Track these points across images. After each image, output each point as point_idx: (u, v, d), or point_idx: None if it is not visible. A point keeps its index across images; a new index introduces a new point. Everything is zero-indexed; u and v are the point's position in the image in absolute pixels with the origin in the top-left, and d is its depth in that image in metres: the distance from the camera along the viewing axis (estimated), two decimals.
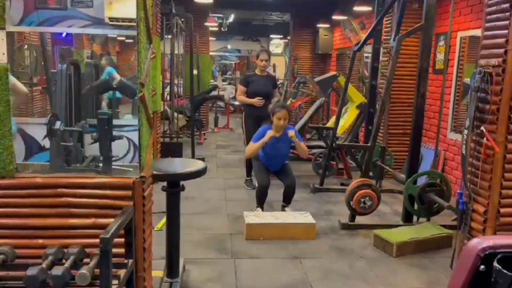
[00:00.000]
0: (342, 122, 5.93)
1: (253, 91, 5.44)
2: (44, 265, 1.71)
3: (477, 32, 4.74)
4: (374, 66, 5.61)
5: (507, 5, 2.53)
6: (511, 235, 2.68)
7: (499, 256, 1.10)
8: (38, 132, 3.12)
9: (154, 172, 2.40)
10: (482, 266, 1.11)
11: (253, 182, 5.35)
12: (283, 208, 4.55)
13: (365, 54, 7.77)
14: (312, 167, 6.25)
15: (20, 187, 2.02)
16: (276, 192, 4.71)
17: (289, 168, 4.64)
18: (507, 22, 2.53)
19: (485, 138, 2.68)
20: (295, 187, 4.52)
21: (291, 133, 4.37)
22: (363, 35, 6.47)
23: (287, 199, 4.55)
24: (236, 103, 12.12)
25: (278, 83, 7.47)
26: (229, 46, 16.59)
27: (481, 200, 2.76)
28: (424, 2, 4.11)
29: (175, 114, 7.62)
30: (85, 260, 1.83)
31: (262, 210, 4.49)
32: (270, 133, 4.35)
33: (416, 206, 4.17)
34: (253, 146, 4.44)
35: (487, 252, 1.11)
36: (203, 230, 4.16)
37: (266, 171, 4.58)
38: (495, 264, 1.08)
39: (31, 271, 1.64)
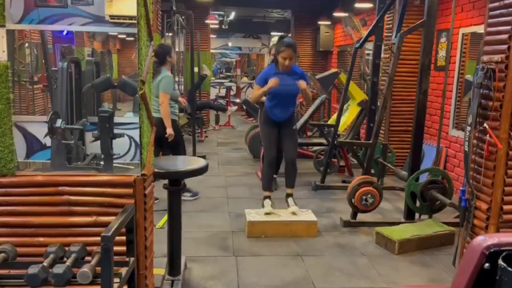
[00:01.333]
0: (343, 119, 5.91)
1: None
2: (45, 263, 1.70)
3: (479, 29, 4.71)
4: (376, 63, 5.59)
5: (510, 0, 2.52)
6: None
7: (504, 254, 1.09)
8: (39, 130, 3.12)
9: (156, 170, 2.39)
10: (487, 264, 1.10)
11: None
12: (287, 198, 4.25)
13: (366, 51, 7.74)
14: (313, 164, 6.24)
15: (21, 185, 2.02)
16: (277, 192, 4.70)
17: (295, 136, 4.29)
18: (510, 18, 2.52)
19: (488, 135, 2.66)
20: (296, 163, 4.25)
21: (303, 85, 3.98)
22: (364, 32, 6.45)
23: (290, 178, 4.24)
24: (237, 100, 12.11)
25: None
26: (230, 44, 16.56)
27: (484, 197, 2.75)
28: None
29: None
30: (87, 258, 1.83)
31: (270, 199, 4.23)
32: (272, 82, 3.92)
33: (418, 203, 4.16)
34: (257, 91, 4.10)
35: (492, 250, 1.10)
36: (205, 227, 4.16)
37: (274, 141, 4.20)
38: (500, 262, 1.07)
39: (32, 270, 1.63)
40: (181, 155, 4.65)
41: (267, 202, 4.23)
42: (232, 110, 10.63)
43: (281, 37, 4.27)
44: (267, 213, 4.10)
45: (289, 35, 4.81)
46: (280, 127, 4.23)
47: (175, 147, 4.58)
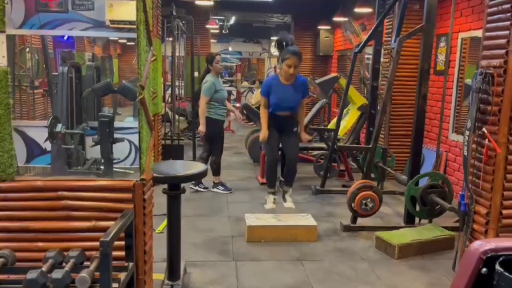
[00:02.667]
0: (343, 123, 5.92)
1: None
2: (44, 269, 1.70)
3: (478, 33, 4.72)
4: (375, 68, 5.61)
5: (508, 5, 2.53)
6: None
7: (501, 258, 1.09)
8: (40, 135, 3.12)
9: (155, 175, 2.39)
10: (484, 269, 1.10)
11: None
12: (284, 195, 4.37)
13: (366, 56, 7.75)
14: (313, 168, 6.24)
15: (21, 190, 2.02)
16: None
17: (297, 138, 4.35)
18: (508, 22, 2.53)
19: (486, 140, 2.67)
20: (296, 163, 4.30)
21: (306, 138, 4.56)
22: (364, 37, 6.46)
23: (288, 177, 4.34)
24: (237, 105, 12.11)
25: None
26: (230, 48, 16.60)
27: (483, 202, 2.75)
28: (425, 3, 4.10)
29: (176, 117, 7.63)
30: (85, 263, 1.83)
31: (275, 194, 4.35)
32: (262, 135, 4.21)
33: (418, 208, 4.15)
34: (262, 112, 4.21)
35: (489, 255, 1.10)
36: (204, 232, 4.16)
37: (275, 143, 4.26)
38: (497, 267, 1.07)
39: (31, 275, 1.63)
40: (217, 153, 5.37)
41: (270, 198, 4.36)
42: (233, 117, 10.64)
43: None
44: (269, 208, 4.31)
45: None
46: (281, 130, 4.28)
47: (213, 144, 5.32)
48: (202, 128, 5.13)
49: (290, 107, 4.19)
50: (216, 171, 5.42)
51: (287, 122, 4.26)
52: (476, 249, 1.12)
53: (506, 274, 1.04)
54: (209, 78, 5.17)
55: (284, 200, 4.40)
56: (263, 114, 4.22)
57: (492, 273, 1.08)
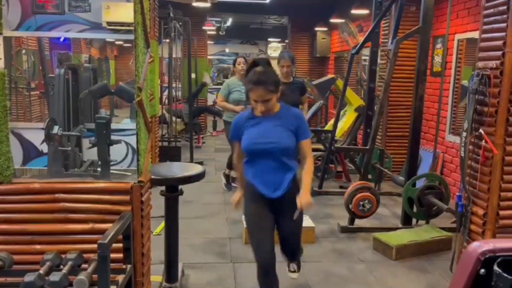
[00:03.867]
0: (340, 125, 5.93)
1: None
2: (41, 271, 1.70)
3: (475, 35, 4.74)
4: (372, 69, 5.62)
5: (504, 7, 2.54)
6: (511, 238, 2.68)
7: (499, 259, 1.09)
8: (36, 137, 3.12)
9: (153, 177, 2.39)
10: (482, 270, 1.11)
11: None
12: (289, 271, 3.06)
13: (363, 57, 7.78)
14: None
15: (18, 193, 2.01)
16: None
17: (298, 220, 2.61)
18: (504, 24, 2.54)
19: (483, 141, 2.68)
20: (299, 242, 2.91)
21: (308, 202, 2.43)
22: (361, 38, 6.48)
23: (290, 255, 2.96)
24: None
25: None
26: (227, 50, 16.61)
27: (480, 203, 2.75)
28: (421, 4, 4.12)
29: (173, 118, 7.62)
30: (83, 265, 1.82)
31: None
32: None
33: (415, 209, 4.16)
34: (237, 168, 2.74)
35: (487, 256, 1.10)
36: (202, 234, 4.15)
37: (265, 226, 2.55)
38: (495, 267, 1.07)
39: (29, 278, 1.63)
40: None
41: None
42: None
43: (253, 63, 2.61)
44: None
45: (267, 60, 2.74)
46: (275, 209, 2.56)
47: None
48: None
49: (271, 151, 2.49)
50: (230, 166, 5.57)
51: (281, 190, 2.51)
52: (474, 250, 1.13)
53: (504, 275, 1.04)
54: (228, 79, 5.54)
55: (288, 267, 3.04)
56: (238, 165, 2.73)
57: (490, 274, 1.09)
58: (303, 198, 2.40)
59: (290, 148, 2.48)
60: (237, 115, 4.92)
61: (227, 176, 5.66)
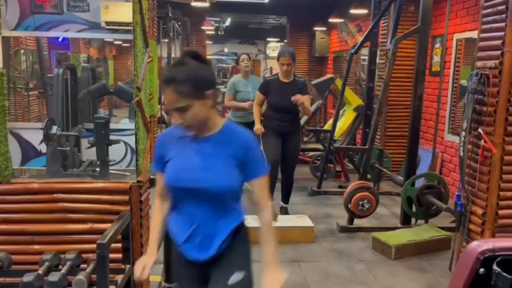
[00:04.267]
0: (339, 124, 5.92)
1: (274, 102, 4.23)
2: (40, 271, 1.69)
3: (473, 34, 4.74)
4: (371, 69, 5.62)
5: (503, 7, 2.54)
6: (510, 237, 2.68)
7: (498, 259, 1.09)
8: (35, 137, 3.11)
9: (152, 177, 2.38)
10: (481, 269, 1.11)
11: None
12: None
13: (362, 57, 7.78)
14: (310, 170, 6.24)
15: (16, 193, 2.01)
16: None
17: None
18: (503, 24, 2.54)
19: (482, 140, 2.68)
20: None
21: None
22: (359, 38, 6.49)
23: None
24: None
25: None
26: (226, 50, 16.59)
27: (479, 202, 2.76)
28: (420, 4, 4.12)
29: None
30: (82, 265, 1.82)
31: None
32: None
33: (414, 208, 4.16)
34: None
35: (486, 255, 1.10)
36: None
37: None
38: (495, 267, 1.07)
39: (27, 278, 1.62)
40: None
41: None
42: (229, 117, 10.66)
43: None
44: None
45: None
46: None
47: None
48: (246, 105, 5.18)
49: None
50: None
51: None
52: (473, 250, 1.13)
53: (504, 274, 1.04)
54: (233, 78, 5.28)
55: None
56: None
57: (490, 273, 1.09)
58: (269, 281, 1.61)
59: (232, 190, 1.67)
60: (245, 114, 4.93)
61: None
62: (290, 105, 4.09)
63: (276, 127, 4.23)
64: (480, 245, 1.12)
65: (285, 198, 4.53)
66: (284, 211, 4.51)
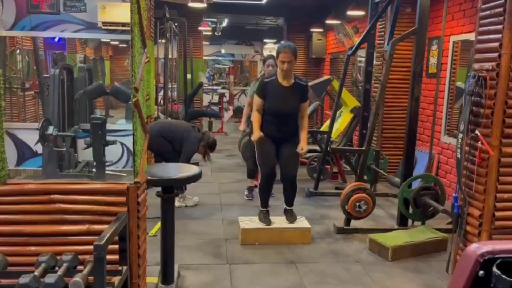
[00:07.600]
0: (336, 126, 5.93)
1: (272, 107, 3.89)
2: (36, 273, 1.68)
3: (470, 36, 4.77)
4: (368, 70, 5.62)
5: (500, 9, 2.55)
6: (510, 240, 2.69)
7: (498, 261, 1.09)
8: (31, 137, 3.10)
9: (149, 178, 2.37)
10: (481, 272, 1.10)
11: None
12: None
13: (358, 58, 7.79)
14: (306, 171, 6.24)
15: (12, 194, 1.99)
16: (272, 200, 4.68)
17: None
18: (500, 26, 2.55)
19: (479, 142, 2.69)
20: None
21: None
22: (356, 40, 6.50)
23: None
24: (230, 107, 12.10)
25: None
26: (223, 51, 16.58)
27: (476, 204, 2.76)
28: (417, 6, 4.13)
29: (169, 119, 7.59)
30: (79, 267, 1.81)
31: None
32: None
33: (411, 210, 4.17)
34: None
35: (486, 258, 1.10)
36: (198, 235, 4.13)
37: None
38: (494, 269, 1.07)
39: (24, 279, 1.61)
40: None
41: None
42: (229, 116, 10.71)
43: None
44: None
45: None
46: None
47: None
48: (242, 127, 5.29)
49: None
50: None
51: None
52: (473, 252, 1.12)
53: (504, 276, 1.04)
54: (257, 81, 5.11)
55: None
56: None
57: (489, 276, 1.09)
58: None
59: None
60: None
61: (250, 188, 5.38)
62: (289, 111, 3.88)
63: (272, 133, 3.91)
64: (479, 247, 1.12)
65: (289, 199, 4.11)
66: (290, 214, 4.07)
